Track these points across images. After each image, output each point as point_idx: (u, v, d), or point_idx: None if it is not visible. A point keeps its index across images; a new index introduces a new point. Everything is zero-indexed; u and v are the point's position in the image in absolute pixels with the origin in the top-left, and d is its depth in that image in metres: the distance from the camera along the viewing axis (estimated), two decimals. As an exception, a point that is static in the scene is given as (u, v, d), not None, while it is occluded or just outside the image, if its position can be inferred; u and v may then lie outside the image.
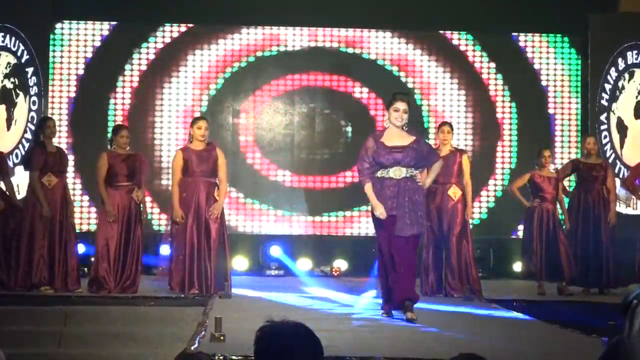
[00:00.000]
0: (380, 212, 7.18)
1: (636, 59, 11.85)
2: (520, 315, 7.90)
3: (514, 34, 12.30)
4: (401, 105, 7.36)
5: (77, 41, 11.89)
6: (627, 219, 10.88)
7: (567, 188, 10.73)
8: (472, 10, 12.10)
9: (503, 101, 12.27)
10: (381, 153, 7.27)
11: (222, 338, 5.68)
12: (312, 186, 12.12)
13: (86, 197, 11.74)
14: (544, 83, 12.29)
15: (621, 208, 11.12)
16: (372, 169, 7.32)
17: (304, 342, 2.48)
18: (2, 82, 11.19)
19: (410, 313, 7.10)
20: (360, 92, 12.18)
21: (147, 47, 12.02)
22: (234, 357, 5.03)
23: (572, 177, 10.58)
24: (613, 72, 11.89)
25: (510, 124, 12.29)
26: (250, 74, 12.15)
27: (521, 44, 12.31)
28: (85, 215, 11.74)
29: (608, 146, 11.83)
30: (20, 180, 10.17)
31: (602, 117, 11.92)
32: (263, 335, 2.49)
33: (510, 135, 12.27)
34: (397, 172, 7.26)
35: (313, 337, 2.51)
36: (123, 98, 11.95)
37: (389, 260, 7.23)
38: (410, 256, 7.26)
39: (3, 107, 11.20)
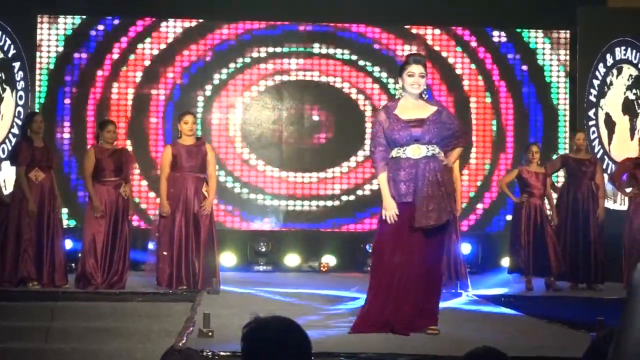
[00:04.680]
0: (390, 215, 5.90)
1: (624, 54, 11.86)
2: (508, 310, 7.89)
3: (503, 30, 12.29)
4: (416, 69, 6.06)
5: (64, 35, 11.85)
6: (614, 214, 10.90)
7: (556, 184, 10.75)
8: (454, 5, 12.11)
9: (492, 96, 12.28)
10: (395, 128, 5.96)
11: (210, 334, 5.66)
12: (300, 181, 12.10)
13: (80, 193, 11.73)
14: (531, 78, 12.29)
15: (608, 203, 11.14)
16: (387, 151, 6.02)
17: (292, 338, 2.44)
18: (-12, 77, 11.15)
19: (432, 329, 6.05)
20: (349, 86, 12.18)
21: (143, 43, 11.96)
22: (222, 353, 5.00)
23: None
24: (601, 68, 11.90)
25: (497, 119, 12.30)
26: (238, 69, 12.12)
27: (509, 38, 12.30)
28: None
29: (596, 142, 11.85)
30: (7, 175, 10.13)
31: (591, 113, 11.93)
32: (250, 332, 2.45)
33: (497, 130, 12.29)
34: (415, 151, 5.96)
35: (301, 332, 2.47)
36: (116, 93, 11.91)
37: (391, 272, 5.92)
38: (432, 266, 5.97)
39: (-10, 102, 11.17)
